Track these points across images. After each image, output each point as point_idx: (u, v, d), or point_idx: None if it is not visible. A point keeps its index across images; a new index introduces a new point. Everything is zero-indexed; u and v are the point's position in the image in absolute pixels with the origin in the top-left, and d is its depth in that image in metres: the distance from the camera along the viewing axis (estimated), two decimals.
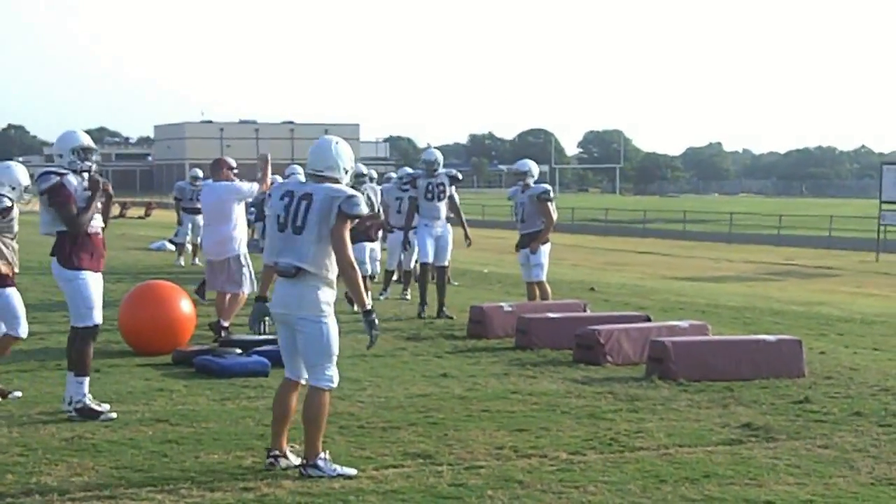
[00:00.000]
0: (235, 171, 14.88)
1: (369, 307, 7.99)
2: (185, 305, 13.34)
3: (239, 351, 12.39)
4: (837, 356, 13.87)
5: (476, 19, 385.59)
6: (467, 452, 8.59)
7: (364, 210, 7.99)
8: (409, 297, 19.45)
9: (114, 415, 9.66)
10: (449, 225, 17.60)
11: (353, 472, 7.94)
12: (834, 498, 7.54)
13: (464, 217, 17.86)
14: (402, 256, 19.95)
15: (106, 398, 10.28)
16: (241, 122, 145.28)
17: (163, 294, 13.44)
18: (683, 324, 14.06)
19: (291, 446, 8.29)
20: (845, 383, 11.81)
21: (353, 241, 17.97)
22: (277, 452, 8.11)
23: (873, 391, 11.40)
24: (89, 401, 9.72)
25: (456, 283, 22.66)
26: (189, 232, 26.80)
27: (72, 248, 9.69)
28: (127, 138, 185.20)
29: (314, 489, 7.54)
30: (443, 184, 17.28)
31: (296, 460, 8.11)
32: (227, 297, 14.47)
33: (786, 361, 12.09)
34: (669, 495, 7.54)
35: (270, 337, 13.45)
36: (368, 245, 18.36)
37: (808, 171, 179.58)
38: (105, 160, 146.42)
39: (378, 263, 18.55)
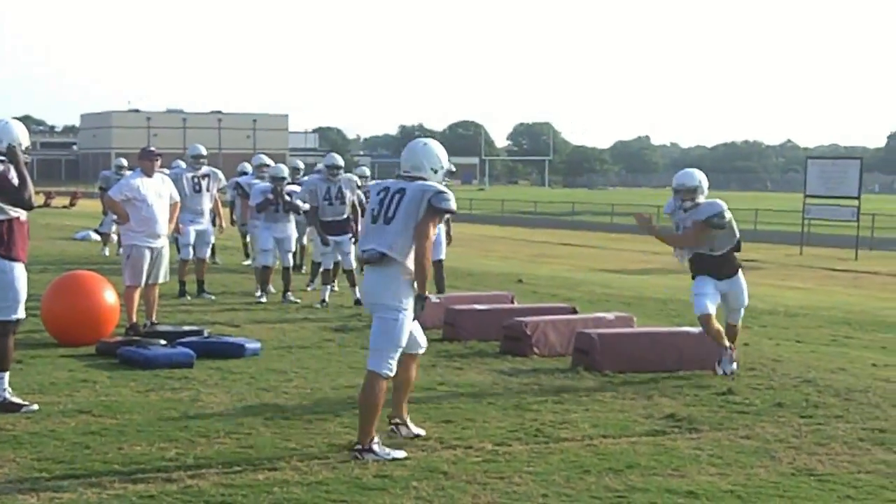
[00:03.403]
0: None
1: (426, 294, 8.34)
2: (110, 296, 13.22)
3: (163, 342, 12.31)
4: (761, 348, 14.02)
5: (406, 10, 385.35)
6: (393, 444, 8.58)
7: (454, 206, 8.38)
8: (336, 287, 19.39)
9: (35, 406, 9.55)
10: None
11: (402, 454, 8.25)
12: (755, 488, 7.62)
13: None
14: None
15: (28, 389, 10.18)
16: (169, 111, 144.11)
17: (87, 284, 13.31)
18: (609, 316, 14.15)
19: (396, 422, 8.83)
20: (768, 375, 11.94)
21: (336, 234, 17.52)
22: (398, 420, 8.77)
23: (795, 383, 11.54)
24: (9, 395, 9.60)
25: None
26: (114, 222, 26.49)
27: (10, 236, 9.49)
28: (52, 127, 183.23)
29: (237, 481, 7.50)
30: None
31: (416, 430, 8.79)
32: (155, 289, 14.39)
33: (710, 353, 12.17)
34: (593, 486, 7.59)
35: (194, 328, 13.44)
36: (331, 239, 17.73)
37: (735, 165, 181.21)
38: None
39: (352, 257, 17.97)
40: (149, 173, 14.12)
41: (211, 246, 20.46)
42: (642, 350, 12.06)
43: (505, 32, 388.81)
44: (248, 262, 23.87)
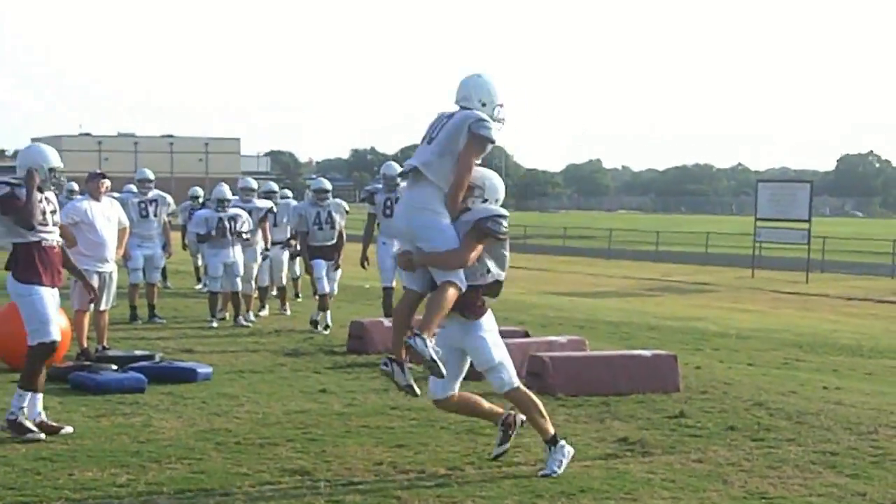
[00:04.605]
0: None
1: None
2: (61, 320, 13.07)
3: (115, 367, 12.22)
4: (712, 371, 14.07)
5: (355, 34, 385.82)
6: (345, 469, 8.56)
7: (493, 135, 8.27)
8: (287, 312, 19.33)
9: None
10: None
11: None
12: None
13: None
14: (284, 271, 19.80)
15: None
16: (120, 135, 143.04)
17: None
18: (561, 339, 14.17)
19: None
20: (720, 398, 11.98)
21: (325, 259, 17.15)
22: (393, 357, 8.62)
23: (747, 406, 11.58)
24: (23, 418, 9.54)
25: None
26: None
27: (26, 261, 9.61)
28: (2, 151, 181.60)
29: None
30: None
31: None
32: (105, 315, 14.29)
33: (662, 376, 12.23)
34: None
35: (146, 353, 13.36)
36: (326, 263, 17.44)
37: (686, 188, 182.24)
38: None
39: (336, 284, 17.66)
40: (96, 197, 14.04)
41: (162, 270, 20.35)
42: (595, 373, 12.07)
43: (456, 55, 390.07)
44: (200, 286, 23.77)
